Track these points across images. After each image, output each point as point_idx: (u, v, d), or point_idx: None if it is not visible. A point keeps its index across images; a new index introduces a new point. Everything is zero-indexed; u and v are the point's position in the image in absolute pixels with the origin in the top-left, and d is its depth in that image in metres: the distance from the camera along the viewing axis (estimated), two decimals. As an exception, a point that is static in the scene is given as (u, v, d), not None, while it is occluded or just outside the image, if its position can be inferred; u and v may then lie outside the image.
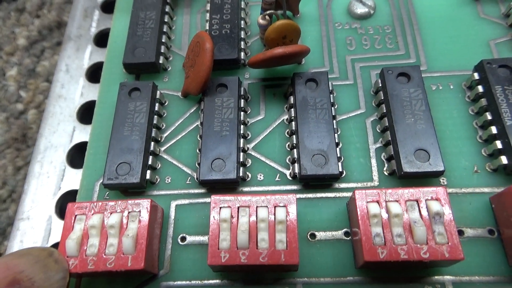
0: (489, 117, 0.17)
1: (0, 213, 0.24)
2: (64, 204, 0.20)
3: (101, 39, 0.26)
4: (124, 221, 0.15)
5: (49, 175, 0.22)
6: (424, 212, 0.15)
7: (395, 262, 0.14)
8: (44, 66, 0.29)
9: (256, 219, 0.15)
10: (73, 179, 0.21)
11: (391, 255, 0.14)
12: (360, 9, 0.21)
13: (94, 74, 0.25)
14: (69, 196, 0.21)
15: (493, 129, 0.17)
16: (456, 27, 0.21)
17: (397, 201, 0.15)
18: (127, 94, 0.19)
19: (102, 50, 0.25)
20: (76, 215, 0.15)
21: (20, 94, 0.28)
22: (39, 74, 0.29)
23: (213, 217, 0.15)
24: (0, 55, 0.29)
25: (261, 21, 0.20)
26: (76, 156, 0.23)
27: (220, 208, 0.15)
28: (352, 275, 0.16)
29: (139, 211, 0.15)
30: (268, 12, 0.19)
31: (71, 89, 0.24)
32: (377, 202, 0.15)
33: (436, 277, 0.15)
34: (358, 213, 0.15)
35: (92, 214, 0.15)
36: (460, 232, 0.16)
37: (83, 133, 0.23)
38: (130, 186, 0.17)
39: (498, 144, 0.17)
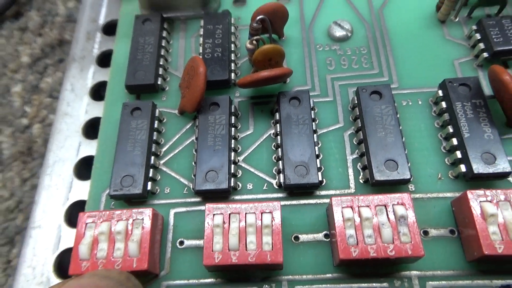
0: (451, 130, 0.19)
1: (8, 223, 0.26)
2: (72, 213, 0.22)
3: (103, 60, 0.28)
4: (129, 228, 0.17)
5: (58, 187, 0.24)
6: (391, 216, 0.17)
7: (366, 260, 0.16)
8: (47, 82, 0.31)
9: (245, 224, 0.17)
10: (80, 190, 0.23)
11: (362, 254, 0.16)
12: (339, 32, 0.24)
13: (97, 92, 0.27)
14: (77, 206, 0.23)
15: (454, 141, 0.19)
16: (425, 48, 0.23)
17: (368, 206, 0.17)
18: (129, 113, 0.21)
19: (104, 70, 0.27)
20: (86, 223, 0.17)
21: (25, 109, 0.30)
22: (42, 90, 0.31)
23: (207, 223, 0.17)
24: (5, 72, 0.30)
25: (248, 46, 0.22)
26: (82, 168, 0.24)
27: (214, 215, 0.17)
28: (331, 272, 0.18)
29: (142, 219, 0.17)
30: (254, 37, 0.22)
31: (76, 107, 0.26)
32: (351, 207, 0.17)
33: (403, 272, 0.17)
34: (335, 217, 0.17)
35: (101, 222, 0.17)
36: (425, 233, 0.18)
37: (88, 147, 0.25)
38: (133, 197, 0.19)
39: (458, 154, 0.19)
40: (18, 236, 0.26)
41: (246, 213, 0.17)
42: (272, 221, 0.17)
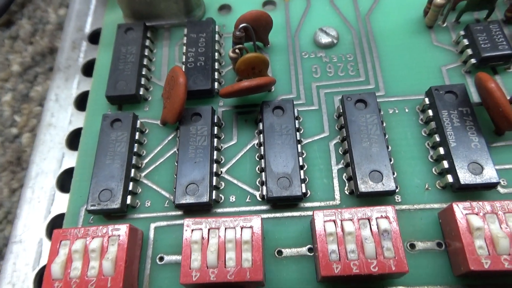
0: (438, 139, 0.19)
1: (-4, 234, 0.26)
2: (54, 227, 0.22)
3: (89, 69, 0.28)
4: (105, 245, 0.17)
5: (40, 200, 0.23)
6: (375, 229, 0.16)
7: (349, 276, 0.16)
8: (37, 91, 0.31)
9: (225, 240, 0.16)
10: (62, 203, 0.23)
11: (344, 270, 0.15)
12: (325, 39, 0.23)
13: (82, 102, 0.26)
14: (59, 219, 0.22)
15: (441, 150, 0.19)
16: (412, 54, 0.22)
17: (351, 219, 0.16)
18: (109, 125, 0.21)
19: (89, 79, 0.27)
20: (61, 241, 0.17)
21: (15, 118, 0.30)
22: (32, 99, 0.30)
23: (185, 239, 0.17)
24: (-5, 82, 0.31)
25: (231, 55, 0.21)
26: (66, 180, 0.24)
27: (192, 230, 0.17)
28: (314, 288, 0.17)
29: (118, 236, 0.17)
30: (237, 46, 0.21)
31: (60, 118, 0.26)
32: (333, 221, 0.17)
33: (389, 287, 0.17)
34: (317, 232, 0.16)
35: (76, 240, 0.17)
36: (412, 246, 0.18)
37: (72, 159, 0.24)
38: (112, 211, 0.19)
39: (445, 164, 0.18)
40: (5, 248, 0.25)
41: (225, 228, 0.17)
42: (252, 236, 0.17)
